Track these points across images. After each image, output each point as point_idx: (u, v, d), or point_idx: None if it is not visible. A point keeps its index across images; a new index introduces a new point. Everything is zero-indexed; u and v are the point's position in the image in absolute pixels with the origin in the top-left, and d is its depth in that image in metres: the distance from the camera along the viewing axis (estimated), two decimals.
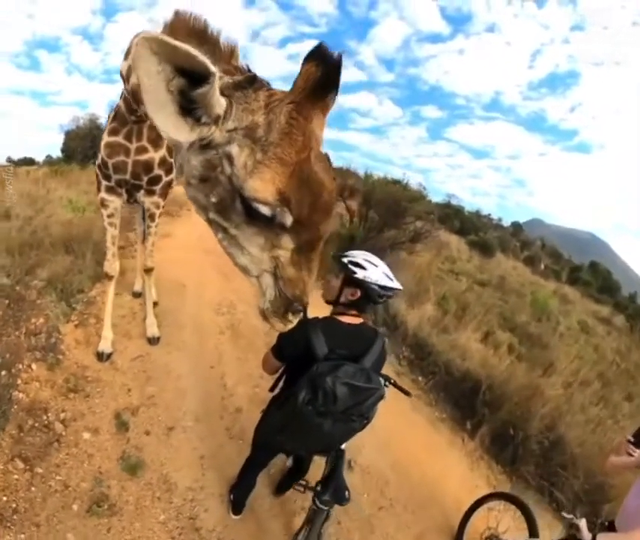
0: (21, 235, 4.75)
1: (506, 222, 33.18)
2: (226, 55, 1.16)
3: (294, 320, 1.24)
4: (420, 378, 4.47)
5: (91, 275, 4.27)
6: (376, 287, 1.68)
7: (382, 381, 1.85)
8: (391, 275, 1.74)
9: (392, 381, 2.07)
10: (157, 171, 2.75)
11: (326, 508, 1.92)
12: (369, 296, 1.71)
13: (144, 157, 2.60)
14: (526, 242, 27.58)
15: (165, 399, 3.00)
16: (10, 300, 3.38)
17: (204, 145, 1.00)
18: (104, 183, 2.83)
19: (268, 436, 1.89)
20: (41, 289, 3.68)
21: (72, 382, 2.85)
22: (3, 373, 2.67)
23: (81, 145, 14.43)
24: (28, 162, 16.16)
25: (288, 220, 0.98)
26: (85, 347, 3.25)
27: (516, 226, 33.35)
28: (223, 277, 5.60)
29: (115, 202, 2.93)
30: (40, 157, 18.90)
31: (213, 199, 1.08)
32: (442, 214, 21.22)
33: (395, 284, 1.73)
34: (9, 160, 16.72)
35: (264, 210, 0.98)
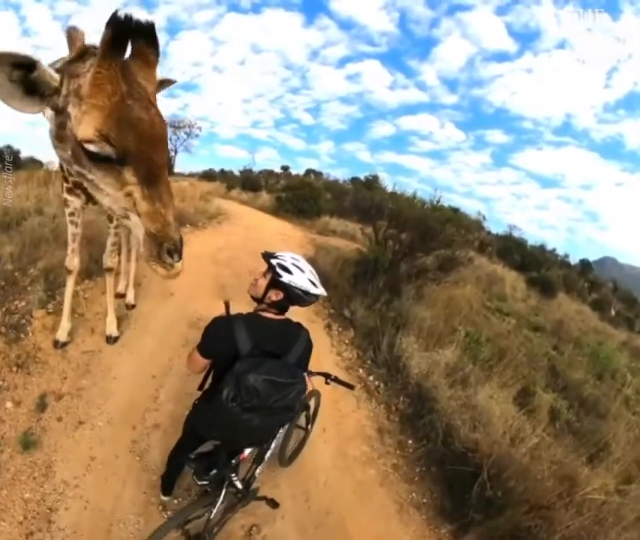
0: (41, 229, 4.96)
1: (574, 259, 29.91)
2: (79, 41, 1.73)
3: (175, 265, 1.38)
4: (409, 441, 3.57)
5: (82, 270, 4.16)
6: (300, 292, 1.75)
7: (322, 378, 2.10)
8: (317, 282, 1.80)
9: (332, 377, 2.16)
10: None
11: (234, 493, 1.95)
12: (292, 299, 1.79)
13: None
14: (595, 283, 24.45)
15: (91, 394, 3.05)
16: (6, 283, 3.76)
17: (57, 112, 1.36)
18: (64, 184, 2.97)
19: (199, 428, 1.90)
20: (34, 277, 3.94)
21: (22, 358, 3.09)
22: None
23: None
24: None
25: (113, 152, 1.24)
26: (49, 333, 3.45)
27: (585, 264, 29.87)
28: (218, 292, 5.45)
29: (75, 203, 3.04)
30: None
31: (69, 152, 1.39)
32: (502, 247, 19.50)
33: (318, 291, 1.80)
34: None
35: (92, 148, 1.24)
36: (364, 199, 8.82)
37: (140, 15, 1.19)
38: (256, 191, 16.49)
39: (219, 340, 1.71)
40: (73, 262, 3.29)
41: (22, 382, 2.95)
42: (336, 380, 2.18)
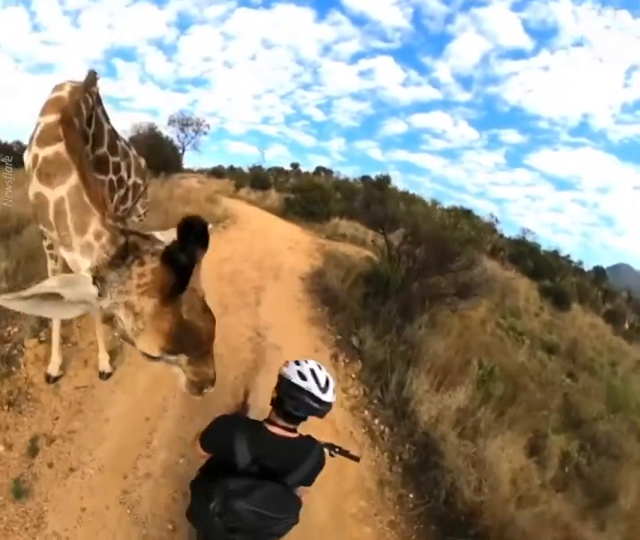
0: (40, 240, 4.61)
1: (588, 266, 29.19)
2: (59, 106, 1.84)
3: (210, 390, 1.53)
4: (410, 495, 3.36)
5: None
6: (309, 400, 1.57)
7: (326, 451, 1.83)
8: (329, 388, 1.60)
9: (337, 449, 1.92)
10: None
11: None
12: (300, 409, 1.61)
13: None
14: (609, 292, 23.83)
15: (83, 438, 2.92)
16: None
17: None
18: None
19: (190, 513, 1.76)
20: None
21: (14, 395, 2.99)
22: None
23: (140, 153, 15.10)
24: None
25: (171, 357, 1.39)
26: (41, 364, 3.32)
27: (599, 271, 29.20)
28: (221, 313, 5.12)
29: (52, 236, 2.68)
30: None
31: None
32: (514, 251, 19.01)
33: (327, 397, 1.58)
34: None
35: (154, 356, 1.37)
36: (376, 209, 8.50)
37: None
38: (265, 190, 16.21)
39: (218, 443, 1.65)
40: None
41: (14, 422, 2.85)
42: (341, 452, 2.01)
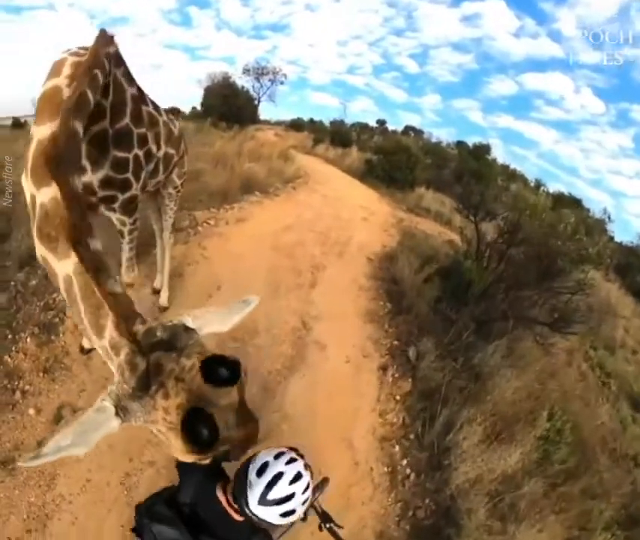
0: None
1: None
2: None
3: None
4: None
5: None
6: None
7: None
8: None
9: (329, 526, 1.78)
10: (106, 192, 2.40)
11: None
12: None
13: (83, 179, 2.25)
14: None
15: None
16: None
17: None
18: None
19: None
20: None
21: (50, 362, 3.12)
22: (9, 334, 3.19)
23: (215, 103, 14.77)
24: (174, 111, 17.65)
25: None
26: (79, 334, 3.33)
27: None
28: (270, 293, 4.83)
29: None
30: (186, 108, 20.09)
31: None
32: (623, 261, 15.09)
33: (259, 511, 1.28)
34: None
35: None
36: (470, 186, 7.01)
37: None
38: (346, 147, 15.00)
39: (182, 467, 1.52)
40: None
41: (47, 388, 2.99)
42: (331, 532, 1.79)
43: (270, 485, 1.27)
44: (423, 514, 3.02)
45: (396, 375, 4.12)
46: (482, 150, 17.97)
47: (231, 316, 1.40)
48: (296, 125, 22.33)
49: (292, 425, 3.32)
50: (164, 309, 4.00)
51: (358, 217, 8.58)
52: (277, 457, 1.35)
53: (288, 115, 26.10)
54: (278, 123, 23.46)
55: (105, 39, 2.04)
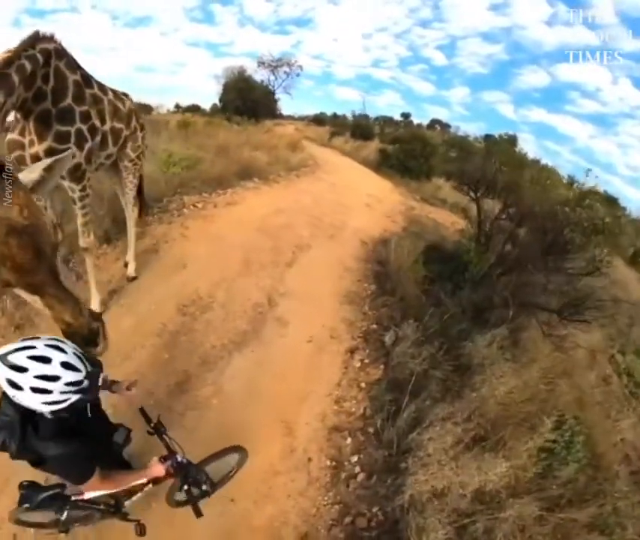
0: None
1: None
2: None
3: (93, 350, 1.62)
4: None
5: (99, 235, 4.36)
6: None
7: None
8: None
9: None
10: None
11: None
12: None
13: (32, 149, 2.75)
14: None
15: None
16: None
17: None
18: None
19: None
20: None
21: (22, 320, 3.25)
22: None
23: (231, 97, 14.62)
24: (194, 109, 17.56)
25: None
26: None
27: None
28: (238, 270, 4.59)
29: None
30: (207, 105, 20.47)
31: None
32: None
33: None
34: (176, 106, 18.78)
35: None
36: (473, 163, 6.16)
37: None
38: (367, 140, 14.53)
39: None
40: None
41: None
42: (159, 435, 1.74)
43: (15, 351, 1.23)
44: (364, 523, 2.45)
45: (366, 360, 3.59)
46: (510, 141, 16.72)
47: None
48: (318, 120, 21.96)
49: (224, 400, 2.95)
50: (132, 278, 4.03)
51: (362, 203, 8.08)
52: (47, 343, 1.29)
53: (313, 111, 25.82)
54: (301, 118, 23.13)
55: (33, 40, 2.41)
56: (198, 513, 1.74)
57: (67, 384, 1.26)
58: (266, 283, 4.46)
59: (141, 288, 3.95)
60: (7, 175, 1.28)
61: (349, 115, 19.98)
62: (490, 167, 5.34)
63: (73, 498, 1.77)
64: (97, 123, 3.10)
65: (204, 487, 1.98)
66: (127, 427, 1.70)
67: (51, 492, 1.70)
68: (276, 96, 21.34)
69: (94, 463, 1.49)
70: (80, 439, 1.41)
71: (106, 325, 1.86)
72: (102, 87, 3.28)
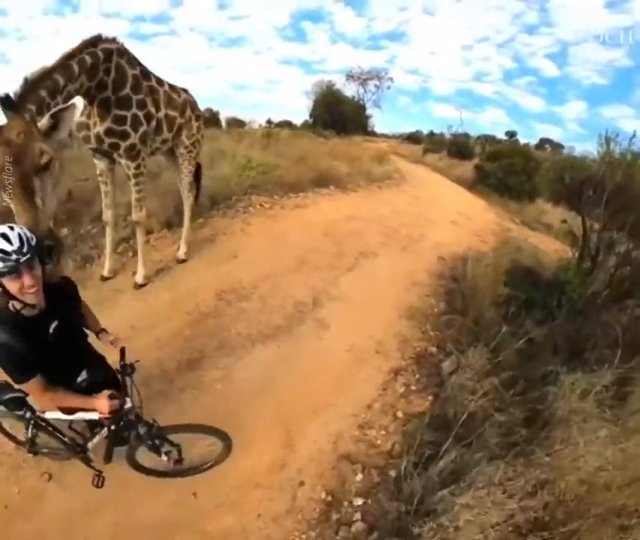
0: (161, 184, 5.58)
1: None
2: None
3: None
4: None
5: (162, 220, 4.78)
6: None
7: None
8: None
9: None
10: (110, 139, 3.23)
11: None
12: None
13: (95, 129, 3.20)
14: None
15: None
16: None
17: None
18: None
19: None
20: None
21: (78, 282, 3.27)
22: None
23: (320, 112, 14.57)
24: (285, 124, 17.91)
25: None
26: (101, 266, 3.98)
27: None
28: (293, 267, 4.41)
29: (100, 165, 3.61)
30: (299, 121, 20.39)
31: None
32: None
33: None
34: (268, 121, 19.41)
35: None
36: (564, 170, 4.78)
37: None
38: (465, 159, 13.26)
39: None
40: (106, 215, 3.78)
41: None
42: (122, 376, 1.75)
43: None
44: None
45: (413, 387, 2.93)
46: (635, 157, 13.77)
47: None
48: (414, 138, 21.03)
49: (229, 388, 2.69)
50: (181, 261, 4.20)
51: (447, 220, 7.25)
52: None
53: (408, 129, 24.77)
54: (395, 136, 22.41)
55: (95, 40, 2.83)
56: (108, 458, 1.74)
57: None
58: (316, 283, 4.10)
59: (186, 270, 4.02)
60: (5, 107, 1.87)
61: (447, 133, 18.77)
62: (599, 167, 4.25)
63: (36, 413, 1.88)
64: (152, 110, 3.49)
65: (164, 450, 1.93)
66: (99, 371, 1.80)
67: (17, 394, 1.82)
68: (368, 112, 21.08)
69: (35, 369, 1.54)
70: (29, 341, 1.49)
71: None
72: (159, 80, 3.67)
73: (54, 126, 2.03)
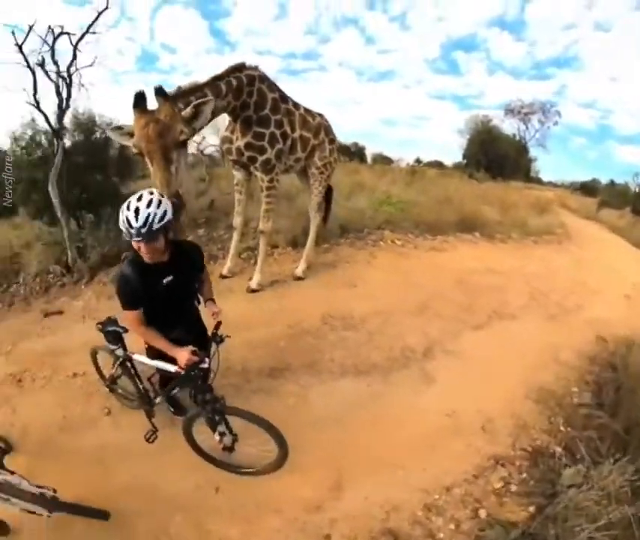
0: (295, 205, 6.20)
1: None
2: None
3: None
4: None
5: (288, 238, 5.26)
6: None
7: None
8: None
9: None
10: (249, 153, 3.65)
11: None
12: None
13: (236, 143, 3.67)
14: None
15: None
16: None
17: None
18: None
19: None
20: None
21: None
22: None
23: (473, 151, 13.04)
24: (435, 165, 16.43)
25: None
26: (222, 266, 4.55)
27: None
28: (412, 310, 4.22)
29: (238, 176, 4.11)
30: (450, 161, 18.33)
31: None
32: None
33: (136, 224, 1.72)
34: (417, 160, 18.07)
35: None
36: None
37: None
38: None
39: None
40: (236, 221, 4.25)
41: None
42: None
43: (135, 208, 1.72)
44: None
45: (513, 487, 2.37)
46: None
47: None
48: (588, 188, 17.17)
49: (300, 408, 2.74)
50: (297, 278, 4.43)
51: (618, 292, 5.85)
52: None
53: (583, 177, 20.39)
54: (565, 186, 18.73)
55: (240, 66, 3.33)
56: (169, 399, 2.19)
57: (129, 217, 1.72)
58: (434, 333, 3.82)
59: (300, 287, 4.24)
60: (172, 104, 2.56)
61: (633, 184, 14.83)
62: None
63: (127, 352, 2.25)
64: (288, 130, 3.82)
65: (219, 429, 2.07)
66: (205, 363, 1.88)
67: (117, 328, 2.20)
68: (531, 153, 18.18)
69: (139, 303, 1.86)
70: (143, 281, 1.83)
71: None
72: (295, 104, 4.01)
73: (195, 115, 2.63)
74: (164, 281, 1.89)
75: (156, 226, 1.71)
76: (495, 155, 12.51)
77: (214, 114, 3.10)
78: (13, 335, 3.75)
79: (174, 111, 2.55)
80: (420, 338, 3.70)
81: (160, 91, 2.48)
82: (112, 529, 1.97)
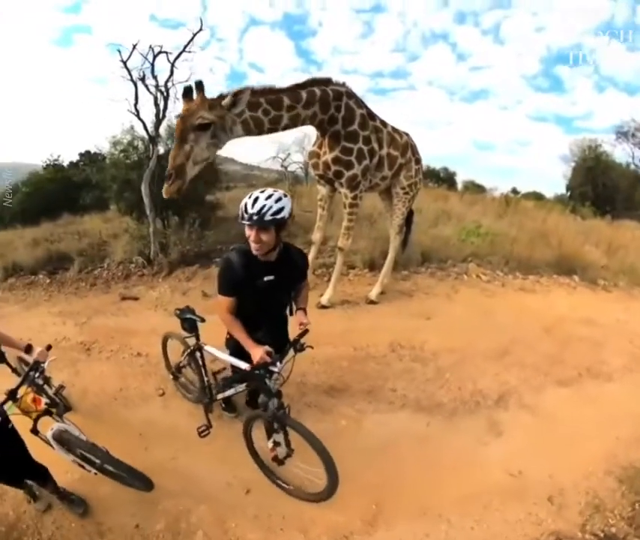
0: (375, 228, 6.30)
1: None
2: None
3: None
4: None
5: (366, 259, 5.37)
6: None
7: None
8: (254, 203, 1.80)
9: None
10: (336, 167, 3.70)
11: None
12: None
13: (323, 158, 3.74)
14: None
15: None
16: None
17: None
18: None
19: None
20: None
21: None
22: None
23: (578, 181, 11.05)
24: (534, 197, 14.19)
25: None
26: None
27: None
28: (489, 353, 3.95)
29: (322, 191, 4.18)
30: (552, 193, 15.85)
31: None
32: None
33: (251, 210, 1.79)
34: (513, 191, 16.05)
35: None
36: None
37: None
38: None
39: None
40: (316, 236, 4.29)
41: None
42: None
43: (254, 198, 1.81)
44: None
45: None
46: None
47: None
48: None
49: (351, 430, 2.76)
50: (370, 301, 4.43)
51: None
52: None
53: None
54: None
55: (329, 81, 3.48)
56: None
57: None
58: (511, 381, 3.59)
59: (372, 311, 4.24)
60: (203, 95, 2.94)
61: None
62: None
63: (199, 342, 2.34)
64: (376, 147, 3.82)
65: (275, 437, 2.03)
66: (276, 368, 1.87)
67: (194, 317, 2.32)
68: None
69: (234, 292, 1.94)
70: (244, 273, 1.90)
71: None
72: (383, 122, 3.98)
73: (233, 103, 2.93)
74: (265, 278, 1.93)
75: (268, 217, 1.75)
76: (604, 187, 10.61)
77: (297, 122, 3.31)
78: (90, 311, 4.36)
79: (203, 100, 2.93)
80: (495, 385, 3.51)
81: (198, 86, 2.96)
82: (135, 496, 2.11)
